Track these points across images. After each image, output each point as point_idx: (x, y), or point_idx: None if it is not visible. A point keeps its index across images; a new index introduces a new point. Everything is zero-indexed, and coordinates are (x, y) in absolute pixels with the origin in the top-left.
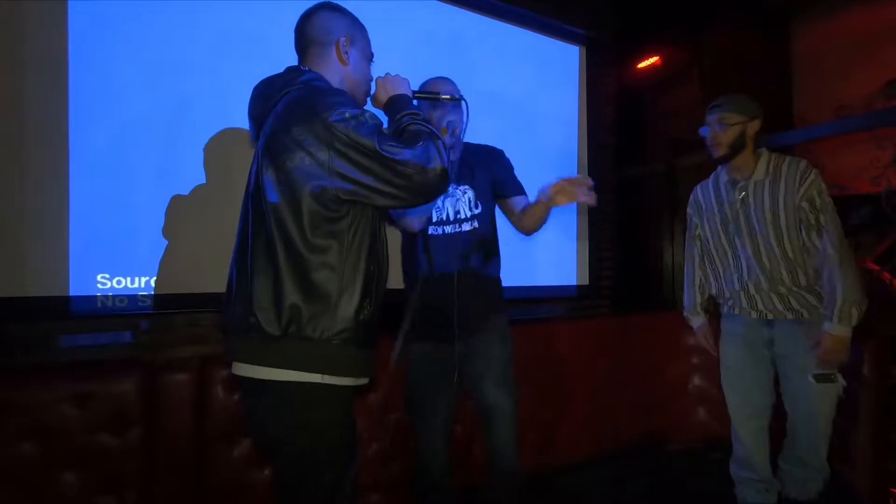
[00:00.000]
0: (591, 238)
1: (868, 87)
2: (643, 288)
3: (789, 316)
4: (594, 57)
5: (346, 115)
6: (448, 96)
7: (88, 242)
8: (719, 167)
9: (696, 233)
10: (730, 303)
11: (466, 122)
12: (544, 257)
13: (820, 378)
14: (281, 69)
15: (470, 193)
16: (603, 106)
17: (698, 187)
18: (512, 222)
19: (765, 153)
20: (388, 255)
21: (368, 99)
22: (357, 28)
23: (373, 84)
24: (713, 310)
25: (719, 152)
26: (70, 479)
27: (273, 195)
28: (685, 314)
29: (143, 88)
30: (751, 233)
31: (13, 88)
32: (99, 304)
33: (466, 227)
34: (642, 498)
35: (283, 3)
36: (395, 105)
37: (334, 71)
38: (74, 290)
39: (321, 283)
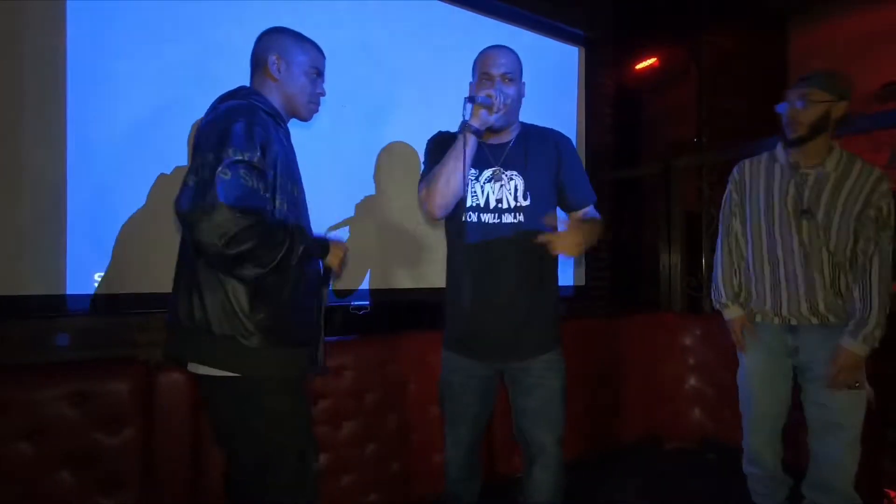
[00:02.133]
0: None
1: (864, 89)
2: (640, 288)
3: (814, 321)
4: (593, 58)
5: (239, 134)
6: (328, 278)
7: (86, 241)
8: (777, 147)
9: (734, 211)
10: (751, 305)
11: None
12: None
13: (849, 384)
14: None
15: (518, 181)
16: (601, 107)
17: (746, 162)
18: None
19: (837, 146)
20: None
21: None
22: (294, 46)
23: (318, 99)
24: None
25: (798, 132)
26: (67, 478)
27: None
28: (720, 301)
29: (143, 87)
30: (800, 224)
31: (11, 87)
32: (95, 303)
33: (508, 218)
34: (638, 497)
35: (284, 4)
36: (319, 241)
37: (269, 86)
38: (71, 289)
39: (227, 286)
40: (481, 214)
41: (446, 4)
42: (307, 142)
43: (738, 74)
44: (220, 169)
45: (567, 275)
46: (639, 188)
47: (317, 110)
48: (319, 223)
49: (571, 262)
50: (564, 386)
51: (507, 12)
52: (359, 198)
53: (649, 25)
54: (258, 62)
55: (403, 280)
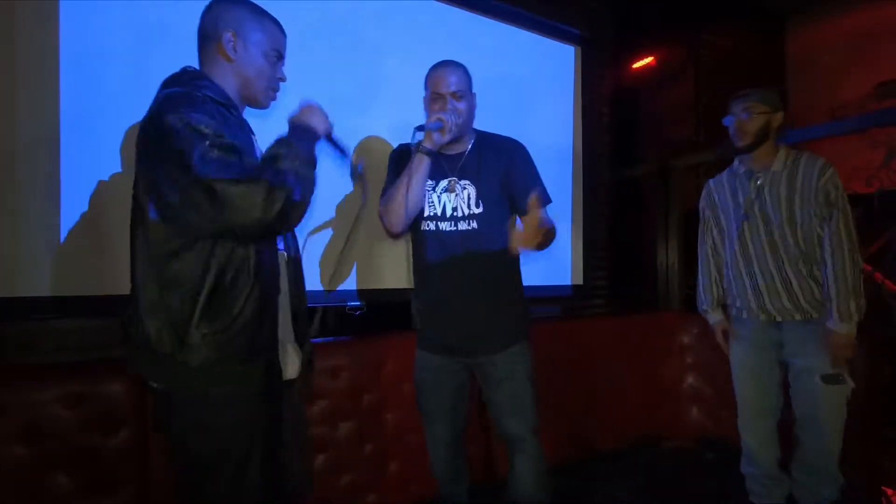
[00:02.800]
0: (586, 238)
1: (861, 88)
2: (638, 288)
3: (798, 316)
4: (590, 57)
5: (178, 128)
6: (339, 145)
7: (81, 242)
8: (735, 160)
9: (709, 226)
10: (738, 304)
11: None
12: (539, 256)
13: (828, 379)
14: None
15: (471, 190)
16: (598, 106)
17: (711, 181)
18: None
19: (783, 147)
20: (257, 257)
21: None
22: (252, 22)
23: (278, 84)
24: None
25: (744, 141)
26: (62, 480)
27: (136, 216)
28: (702, 308)
29: (137, 87)
30: (766, 224)
31: (4, 87)
32: (91, 304)
33: (463, 226)
34: (637, 496)
35: (282, 3)
36: (288, 131)
37: (222, 67)
38: (66, 290)
39: (169, 299)
40: (439, 223)
41: (442, 4)
42: None
43: (736, 74)
44: (198, 169)
45: (565, 274)
46: (636, 187)
47: (275, 97)
48: (317, 221)
49: (569, 262)
50: (532, 377)
51: (504, 12)
52: (353, 197)
53: (647, 25)
54: (208, 37)
55: (399, 280)
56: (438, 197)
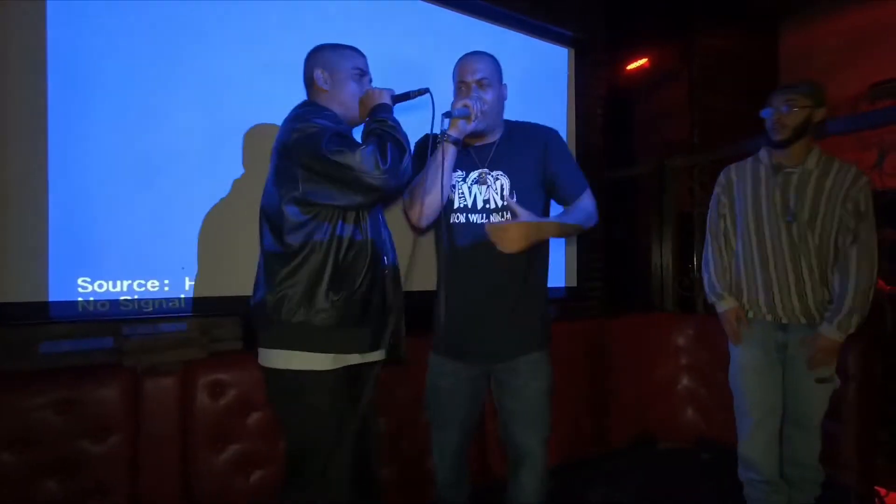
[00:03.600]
0: (580, 239)
1: (853, 89)
2: (632, 289)
3: (803, 320)
4: (583, 59)
5: (303, 128)
6: (416, 90)
7: (68, 246)
8: (760, 151)
9: (722, 213)
10: (745, 303)
11: (434, 113)
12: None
13: (821, 379)
14: (271, 66)
15: (504, 181)
16: (592, 108)
17: (732, 167)
18: None
19: (816, 147)
20: (371, 247)
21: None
22: (334, 55)
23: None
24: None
25: (782, 135)
26: (52, 487)
27: (264, 230)
28: (716, 292)
29: (125, 88)
30: (785, 221)
31: None
32: (80, 309)
33: (496, 218)
34: (633, 497)
35: (278, 3)
36: (370, 114)
37: (323, 99)
38: (54, 296)
39: (302, 275)
40: (469, 215)
41: (433, 6)
42: None
43: (730, 75)
44: (328, 153)
45: (559, 276)
46: (631, 189)
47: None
48: None
49: (563, 263)
50: (550, 387)
51: (497, 14)
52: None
53: (640, 26)
54: (309, 81)
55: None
56: (469, 188)
